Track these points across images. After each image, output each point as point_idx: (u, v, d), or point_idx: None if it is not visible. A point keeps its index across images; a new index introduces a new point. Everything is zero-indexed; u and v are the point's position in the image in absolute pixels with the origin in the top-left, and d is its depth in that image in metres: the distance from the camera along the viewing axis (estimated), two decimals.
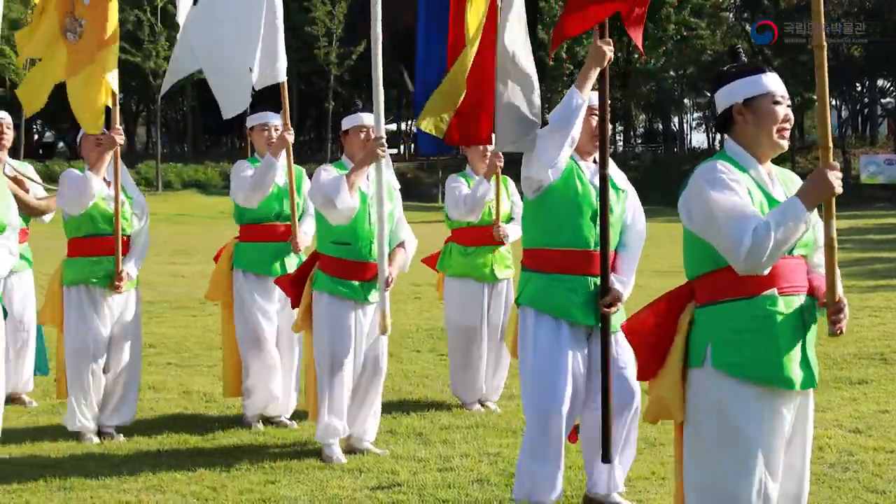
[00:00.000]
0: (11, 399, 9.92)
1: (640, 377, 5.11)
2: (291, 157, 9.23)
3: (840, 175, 4.58)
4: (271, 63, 8.91)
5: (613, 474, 6.84)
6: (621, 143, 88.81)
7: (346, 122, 8.52)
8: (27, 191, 9.72)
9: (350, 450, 8.44)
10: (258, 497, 7.28)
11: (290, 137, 9.17)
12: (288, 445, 8.71)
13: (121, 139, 8.84)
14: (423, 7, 7.63)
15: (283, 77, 9.00)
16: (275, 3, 8.93)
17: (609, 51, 6.51)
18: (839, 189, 4.55)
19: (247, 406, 9.41)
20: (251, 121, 9.50)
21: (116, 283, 8.79)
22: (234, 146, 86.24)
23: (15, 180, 9.56)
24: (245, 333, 9.33)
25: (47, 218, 9.97)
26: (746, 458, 4.71)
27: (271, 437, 8.96)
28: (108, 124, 8.80)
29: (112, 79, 8.69)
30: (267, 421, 9.40)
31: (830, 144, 4.67)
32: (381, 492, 7.36)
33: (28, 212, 9.45)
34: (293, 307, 8.62)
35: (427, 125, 7.30)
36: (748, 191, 4.72)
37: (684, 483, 4.96)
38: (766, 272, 4.62)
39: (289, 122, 9.26)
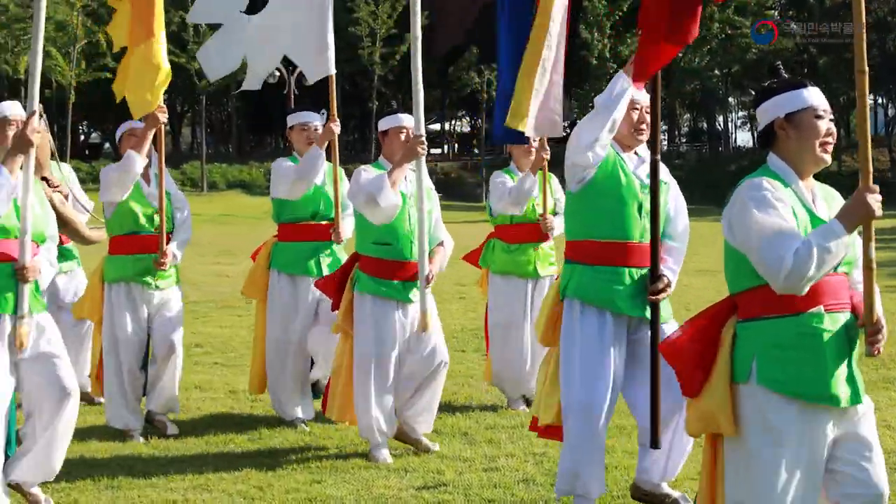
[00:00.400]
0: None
1: (686, 393, 5.08)
2: (336, 150, 9.24)
3: (880, 198, 4.61)
4: (321, 55, 8.92)
5: (668, 462, 6.82)
6: (665, 143, 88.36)
7: (385, 123, 8.52)
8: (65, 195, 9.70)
9: (401, 438, 8.48)
10: (304, 496, 7.30)
11: (336, 129, 9.16)
12: (334, 445, 8.72)
13: (164, 116, 8.84)
14: (503, 11, 7.62)
15: (332, 70, 9.00)
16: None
17: None
18: (879, 212, 4.58)
19: (274, 405, 9.50)
20: (291, 120, 9.49)
21: (161, 259, 8.85)
22: (279, 146, 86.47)
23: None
24: (275, 334, 9.36)
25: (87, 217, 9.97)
26: (789, 475, 4.68)
27: (317, 436, 8.99)
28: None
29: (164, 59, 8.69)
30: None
31: (871, 168, 4.69)
32: (426, 491, 7.37)
33: (79, 238, 9.53)
34: (333, 310, 8.64)
35: (512, 121, 7.27)
36: (792, 209, 4.73)
37: (726, 497, 4.93)
38: (804, 292, 4.62)
39: (335, 113, 9.25)
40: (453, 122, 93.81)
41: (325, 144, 9.15)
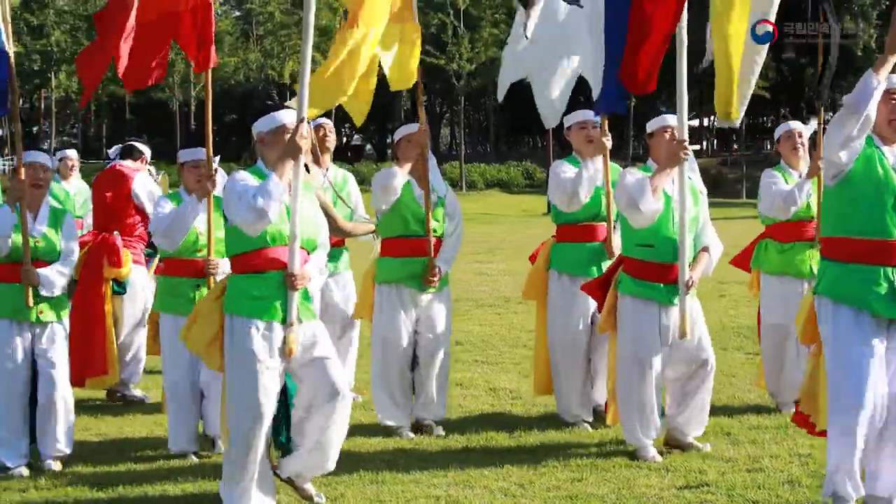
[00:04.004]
0: None
1: None
2: (608, 162, 9.19)
3: None
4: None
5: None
6: None
7: (651, 125, 8.49)
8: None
9: (672, 443, 8.42)
10: (565, 494, 7.32)
11: (608, 143, 9.14)
12: (594, 443, 8.71)
13: (425, 136, 8.99)
14: None
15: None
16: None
17: None
18: None
19: (559, 406, 9.45)
20: (569, 120, 9.39)
21: (430, 277, 8.97)
22: (535, 145, 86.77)
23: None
24: (556, 335, 9.33)
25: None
26: None
27: (577, 434, 8.98)
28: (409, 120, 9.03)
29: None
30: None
31: None
32: (688, 491, 7.30)
33: (337, 231, 9.78)
34: (598, 311, 8.63)
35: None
36: None
37: None
38: None
39: (606, 125, 9.20)
40: (712, 117, 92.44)
41: (599, 159, 9.14)
